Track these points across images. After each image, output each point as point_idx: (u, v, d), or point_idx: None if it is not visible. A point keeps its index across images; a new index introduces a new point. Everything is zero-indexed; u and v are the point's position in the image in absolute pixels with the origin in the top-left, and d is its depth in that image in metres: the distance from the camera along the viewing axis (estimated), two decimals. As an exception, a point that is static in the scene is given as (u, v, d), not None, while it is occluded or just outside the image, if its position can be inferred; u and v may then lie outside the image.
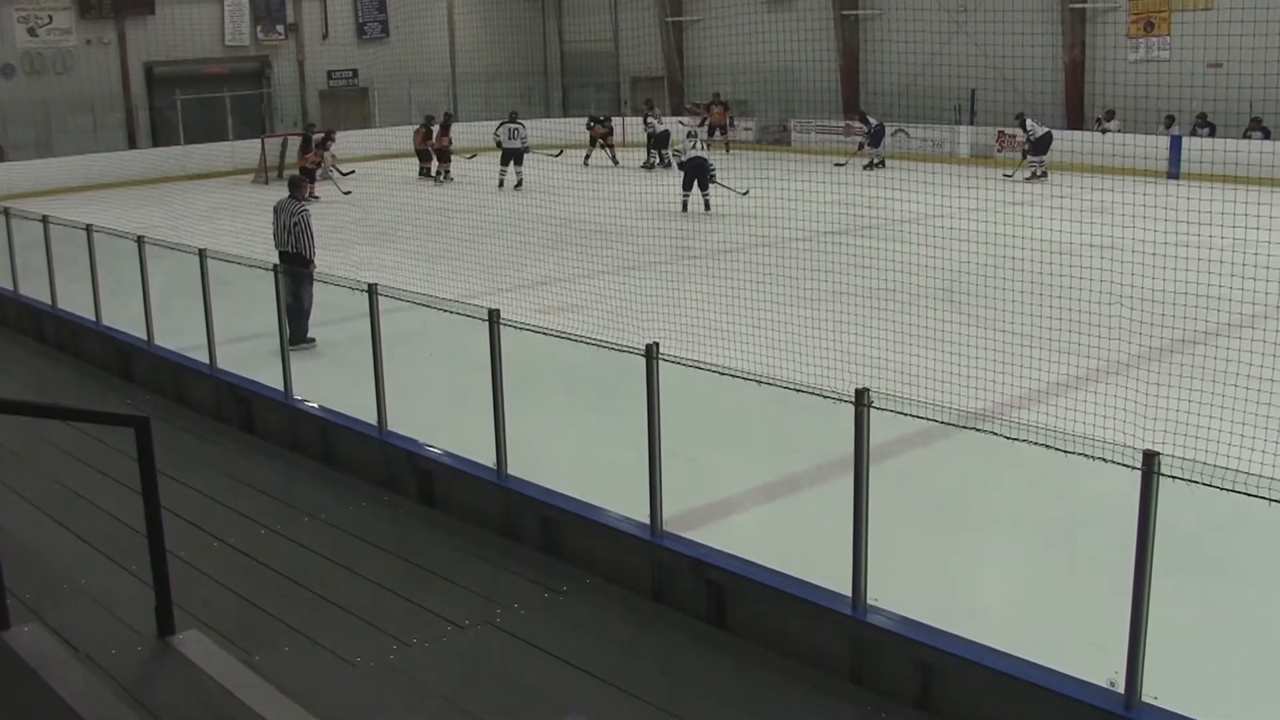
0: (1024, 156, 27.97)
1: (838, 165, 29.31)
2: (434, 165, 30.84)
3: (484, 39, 40.64)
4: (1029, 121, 27.71)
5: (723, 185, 23.21)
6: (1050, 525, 8.03)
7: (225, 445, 10.67)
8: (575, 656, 6.52)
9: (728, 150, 34.27)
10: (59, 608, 6.89)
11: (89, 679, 5.57)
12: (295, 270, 12.62)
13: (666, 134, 32.06)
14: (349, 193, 27.11)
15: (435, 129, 31.22)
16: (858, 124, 31.47)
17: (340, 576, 7.61)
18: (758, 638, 6.72)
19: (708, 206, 23.02)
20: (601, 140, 33.29)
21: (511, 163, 28.84)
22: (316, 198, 28.08)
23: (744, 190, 22.87)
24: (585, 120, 34.53)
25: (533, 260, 17.66)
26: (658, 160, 31.86)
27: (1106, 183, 22.73)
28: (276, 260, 12.51)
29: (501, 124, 29.14)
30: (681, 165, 23.90)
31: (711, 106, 35.63)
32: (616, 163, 32.52)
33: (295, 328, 12.64)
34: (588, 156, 33.13)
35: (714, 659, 6.63)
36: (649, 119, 32.71)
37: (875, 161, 30.34)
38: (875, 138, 30.69)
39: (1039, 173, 27.44)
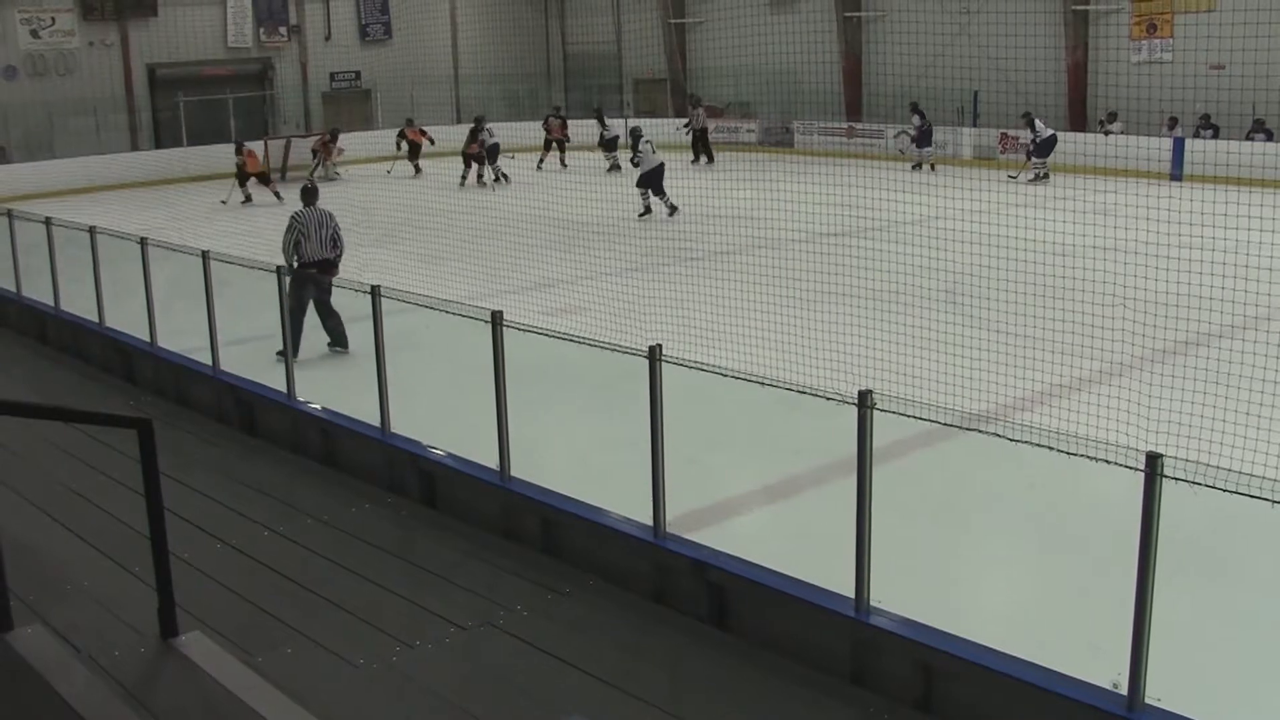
0: (1028, 157, 27.64)
1: (914, 168, 29.54)
2: (472, 171, 29.91)
3: (486, 40, 40.68)
4: (1037, 122, 27.40)
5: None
6: (1053, 527, 8.02)
7: (227, 447, 10.68)
8: (577, 658, 6.53)
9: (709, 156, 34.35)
10: (62, 609, 6.89)
11: (92, 681, 5.58)
12: (323, 277, 12.48)
13: (615, 139, 31.96)
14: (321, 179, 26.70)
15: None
16: (914, 119, 30.61)
17: (343, 578, 7.61)
18: (760, 639, 6.72)
19: (672, 211, 22.83)
20: (557, 140, 32.75)
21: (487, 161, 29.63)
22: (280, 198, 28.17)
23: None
24: (546, 119, 33.88)
25: (536, 262, 17.65)
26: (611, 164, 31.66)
27: (1109, 184, 22.73)
28: (292, 269, 12.39)
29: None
30: (647, 174, 23.25)
31: (696, 110, 35.89)
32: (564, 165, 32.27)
33: (338, 329, 12.75)
34: (542, 160, 32.56)
35: (716, 660, 6.62)
36: (607, 120, 32.70)
37: (921, 163, 30.10)
38: (924, 137, 30.31)
39: (1041, 174, 27.22)
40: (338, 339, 12.82)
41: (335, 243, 13.07)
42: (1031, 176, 27.27)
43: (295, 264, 12.65)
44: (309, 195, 13.38)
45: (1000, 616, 6.88)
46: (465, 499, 8.72)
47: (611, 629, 7.04)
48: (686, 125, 33.99)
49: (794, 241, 18.35)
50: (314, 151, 32.44)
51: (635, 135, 24.44)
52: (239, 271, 11.44)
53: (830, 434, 7.34)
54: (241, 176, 28.89)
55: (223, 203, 28.26)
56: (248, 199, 28.63)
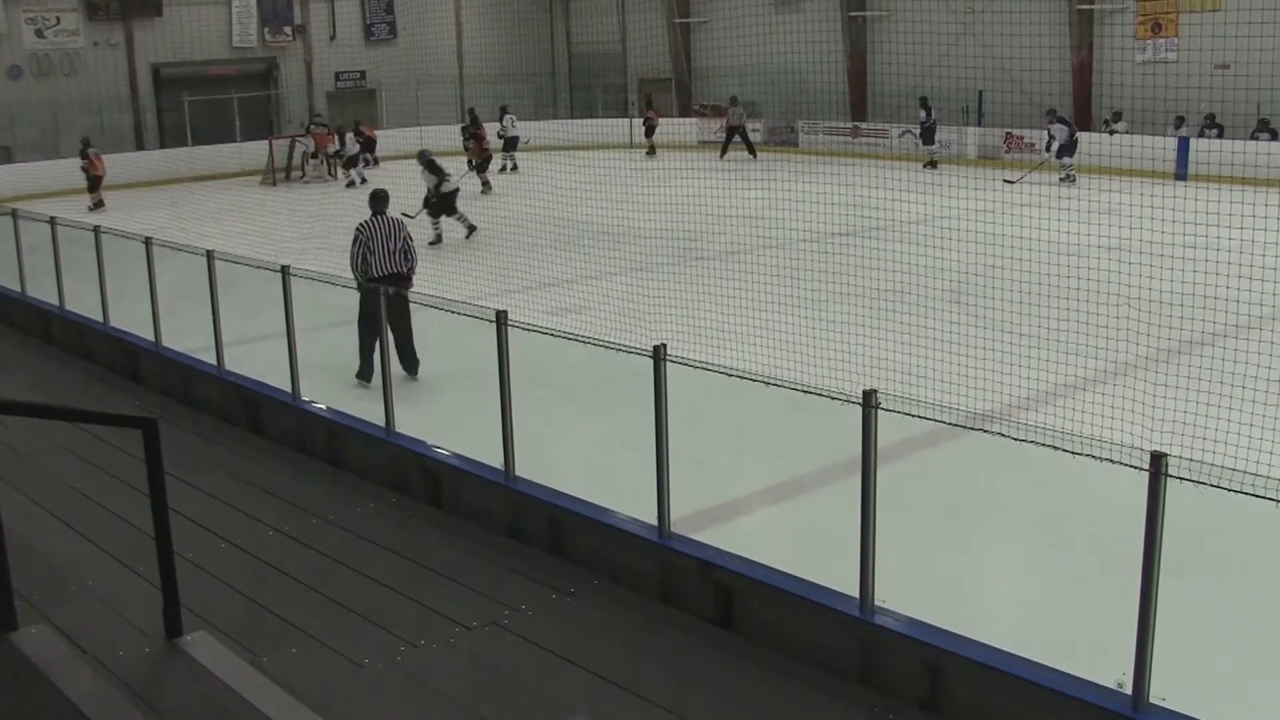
0: (1058, 156, 26.65)
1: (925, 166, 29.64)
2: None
3: (492, 40, 40.67)
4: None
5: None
6: (1058, 526, 8.02)
7: (233, 447, 10.68)
8: (582, 658, 6.53)
9: (653, 152, 34.50)
10: (67, 609, 6.89)
11: (97, 680, 5.58)
12: (401, 292, 10.98)
13: (516, 139, 31.92)
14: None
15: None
16: (920, 114, 30.54)
17: (348, 578, 7.61)
18: (765, 639, 6.71)
19: (439, 240, 20.72)
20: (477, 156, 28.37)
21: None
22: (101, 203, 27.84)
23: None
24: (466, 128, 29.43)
25: (540, 262, 17.66)
26: (508, 164, 31.33)
27: (1114, 184, 22.71)
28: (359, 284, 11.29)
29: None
30: (445, 197, 20.92)
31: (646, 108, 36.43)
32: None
33: (410, 359, 11.49)
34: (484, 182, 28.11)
35: (721, 660, 6.63)
36: (506, 120, 32.52)
37: (930, 161, 30.02)
38: (928, 134, 30.30)
39: (1069, 176, 26.45)
40: (406, 362, 11.47)
41: (406, 255, 11.78)
42: (1063, 177, 26.52)
43: (362, 278, 11.41)
44: (378, 202, 12.07)
45: (1005, 616, 6.87)
46: (470, 499, 8.72)
47: (617, 629, 7.05)
48: (644, 121, 35.33)
49: (799, 241, 18.37)
50: (310, 149, 32.53)
51: (425, 159, 21.13)
52: (244, 271, 11.45)
53: (835, 434, 7.33)
54: (91, 182, 28.40)
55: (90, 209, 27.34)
56: (99, 204, 27.93)
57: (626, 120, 37.29)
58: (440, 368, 11.74)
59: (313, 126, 33.56)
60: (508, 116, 32.85)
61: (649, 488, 7.25)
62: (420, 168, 21.03)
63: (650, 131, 35.29)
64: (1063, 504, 8.10)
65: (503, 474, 8.34)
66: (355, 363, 11.40)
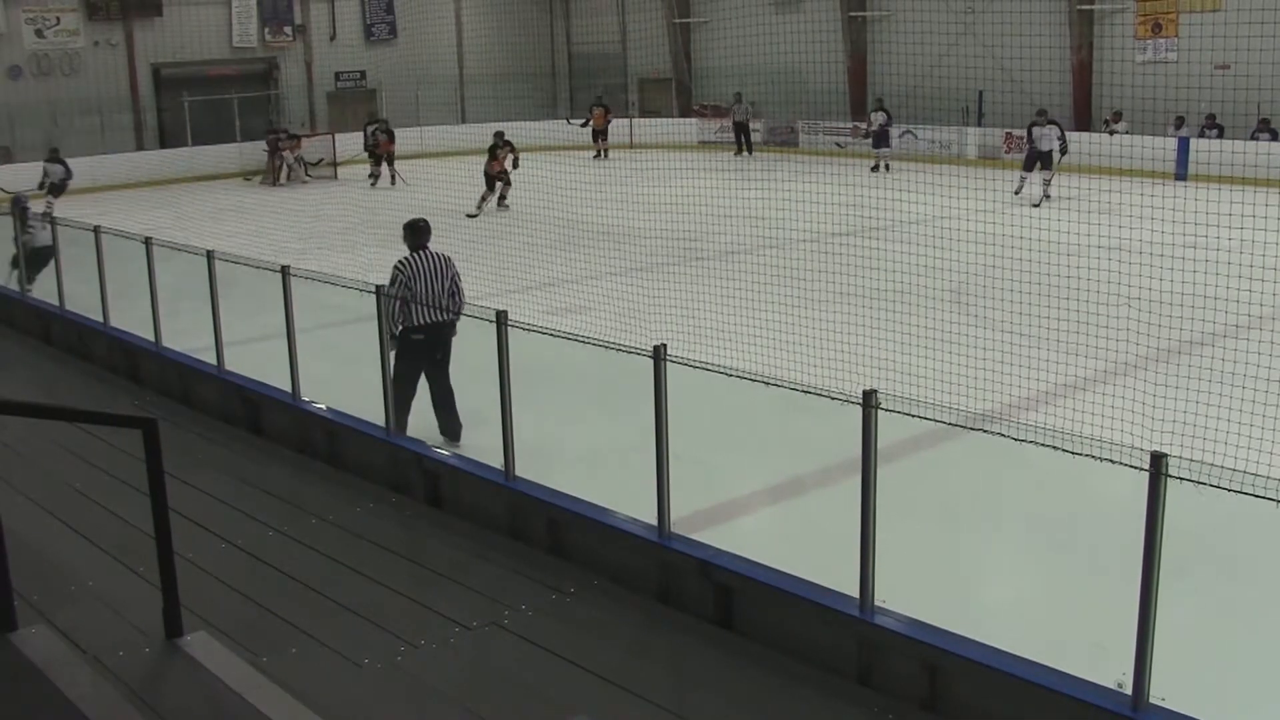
0: (1046, 166, 24.47)
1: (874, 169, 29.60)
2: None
3: (492, 40, 40.69)
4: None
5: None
6: (1058, 527, 8.02)
7: (233, 447, 10.68)
8: (582, 658, 6.52)
9: (606, 156, 34.62)
10: (66, 609, 6.88)
11: (96, 681, 5.58)
12: (438, 342, 9.80)
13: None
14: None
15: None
16: (877, 116, 30.83)
17: (348, 578, 7.61)
18: (765, 639, 6.71)
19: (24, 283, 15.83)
20: (387, 156, 30.51)
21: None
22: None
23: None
24: (373, 130, 31.45)
25: (540, 262, 17.66)
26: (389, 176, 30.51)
27: (1114, 184, 22.71)
28: (394, 336, 9.68)
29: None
30: (31, 253, 15.96)
31: (593, 108, 36.25)
32: (394, 181, 29.79)
33: (448, 411, 9.86)
34: (376, 176, 30.77)
35: (721, 660, 6.62)
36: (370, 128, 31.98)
37: (880, 164, 30.11)
38: (880, 137, 30.48)
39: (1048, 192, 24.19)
40: (447, 424, 9.85)
41: (454, 297, 9.83)
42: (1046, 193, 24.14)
43: (399, 328, 9.60)
44: (417, 234, 10.01)
45: (1005, 616, 6.86)
46: (470, 499, 8.72)
47: (617, 629, 7.04)
48: (583, 123, 35.35)
49: (798, 241, 18.38)
50: (282, 153, 32.10)
51: (20, 205, 16.39)
52: (244, 271, 11.45)
53: (835, 434, 7.32)
54: None
55: None
56: None
57: (625, 120, 37.26)
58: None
59: (284, 136, 33.32)
60: (375, 125, 32.08)
61: (649, 488, 7.25)
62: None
63: (596, 136, 35.11)
64: (1062, 504, 8.09)
65: (502, 474, 8.34)
66: (356, 363, 11.38)
